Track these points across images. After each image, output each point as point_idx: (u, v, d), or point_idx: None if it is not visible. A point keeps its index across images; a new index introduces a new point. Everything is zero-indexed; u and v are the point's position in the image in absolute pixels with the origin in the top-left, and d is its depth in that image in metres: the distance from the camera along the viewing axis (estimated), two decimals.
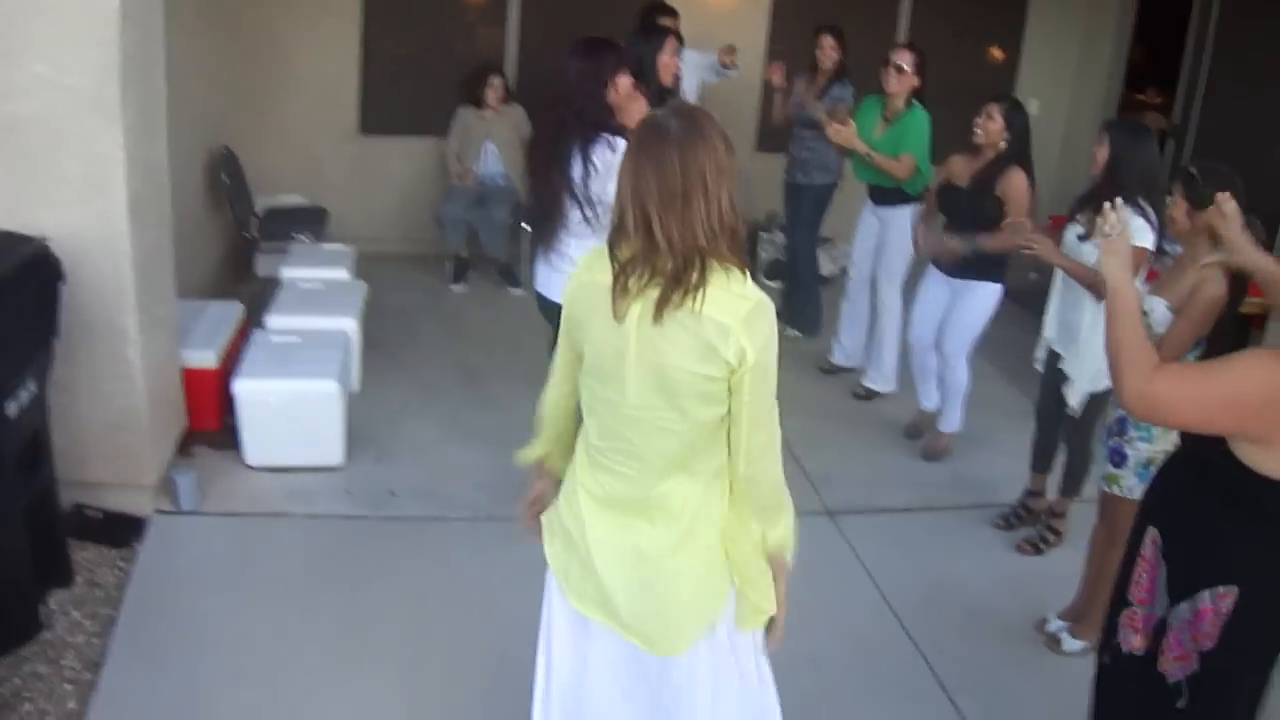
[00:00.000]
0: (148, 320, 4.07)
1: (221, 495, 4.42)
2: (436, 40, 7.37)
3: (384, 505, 4.50)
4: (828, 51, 5.83)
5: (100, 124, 3.74)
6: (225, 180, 6.36)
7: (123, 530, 4.08)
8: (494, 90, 7.01)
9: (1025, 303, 4.39)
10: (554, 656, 2.47)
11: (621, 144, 3.71)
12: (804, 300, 6.48)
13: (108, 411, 4.02)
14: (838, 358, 6.04)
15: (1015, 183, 4.50)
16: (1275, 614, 2.37)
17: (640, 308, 2.10)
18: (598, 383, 2.24)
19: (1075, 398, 4.06)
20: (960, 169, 4.72)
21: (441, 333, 6.44)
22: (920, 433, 5.27)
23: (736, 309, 2.08)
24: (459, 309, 6.88)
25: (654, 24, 4.49)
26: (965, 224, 4.62)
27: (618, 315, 2.11)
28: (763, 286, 6.35)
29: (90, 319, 3.88)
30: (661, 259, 2.06)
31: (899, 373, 5.69)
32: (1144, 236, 3.71)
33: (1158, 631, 2.49)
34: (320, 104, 7.33)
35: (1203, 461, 2.40)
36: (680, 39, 4.91)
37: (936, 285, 4.94)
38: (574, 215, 3.88)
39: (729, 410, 2.16)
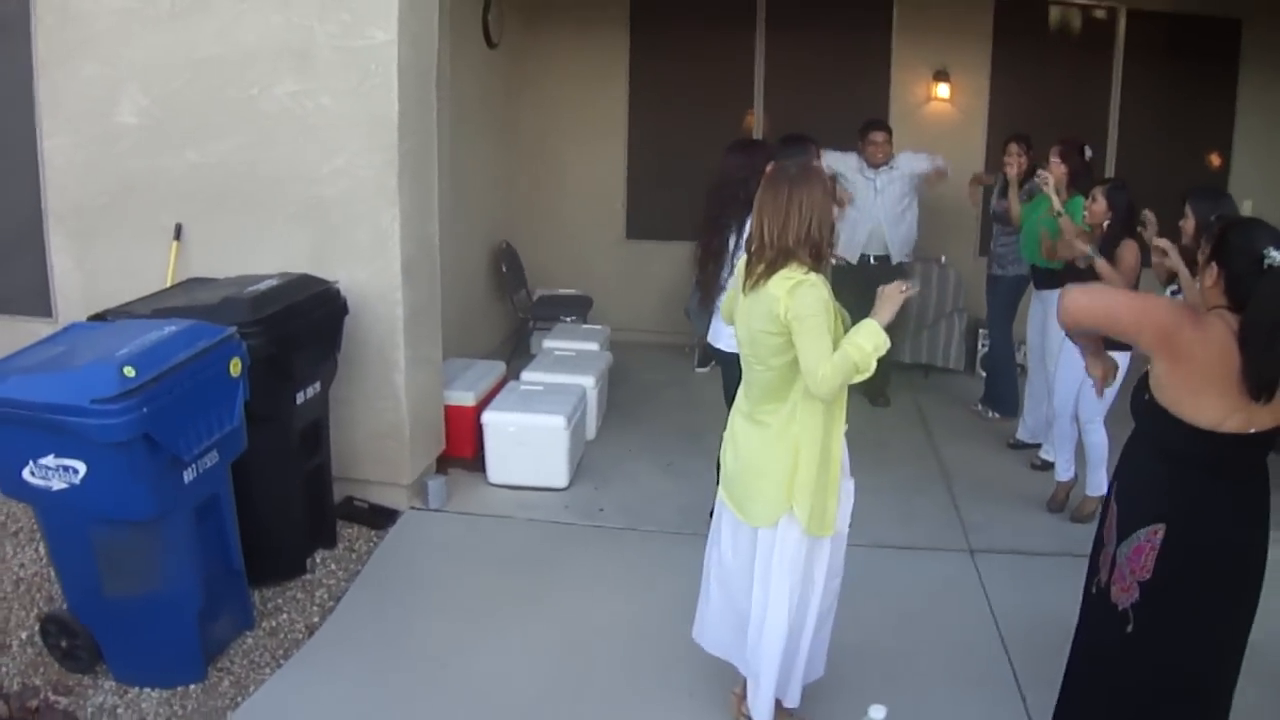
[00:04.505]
0: (414, 356, 5.26)
1: (463, 501, 5.54)
2: (692, 159, 8.47)
3: (592, 518, 5.46)
4: (1013, 158, 6.50)
5: (383, 205, 5.01)
6: (504, 270, 7.73)
7: (381, 518, 5.25)
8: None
9: None
10: (714, 521, 3.65)
11: None
12: (1001, 384, 7.00)
13: (377, 423, 5.24)
14: (1022, 434, 6.50)
15: (1124, 254, 5.05)
16: (1199, 547, 2.85)
17: (749, 285, 3.27)
18: (738, 340, 3.46)
19: None
20: (1068, 239, 5.29)
21: (677, 404, 7.39)
22: (1061, 505, 5.62)
23: (785, 286, 3.17)
24: (698, 387, 7.83)
25: (799, 136, 5.41)
26: None
27: (744, 290, 3.32)
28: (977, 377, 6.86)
29: (369, 351, 5.12)
30: (767, 253, 3.22)
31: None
32: None
33: (1112, 566, 3.03)
34: (592, 212, 8.69)
35: (1142, 421, 3.00)
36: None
37: (1072, 356, 5.42)
38: (728, 279, 4.79)
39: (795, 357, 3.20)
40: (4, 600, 4.32)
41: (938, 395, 7.59)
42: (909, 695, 3.91)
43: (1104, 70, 8.14)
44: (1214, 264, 2.90)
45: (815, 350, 3.15)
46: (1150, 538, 2.89)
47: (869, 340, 3.21)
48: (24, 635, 4.07)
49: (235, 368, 3.95)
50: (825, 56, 8.18)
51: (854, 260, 6.81)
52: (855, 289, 6.83)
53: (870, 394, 7.25)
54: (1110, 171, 7.89)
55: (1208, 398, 2.78)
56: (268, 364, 4.25)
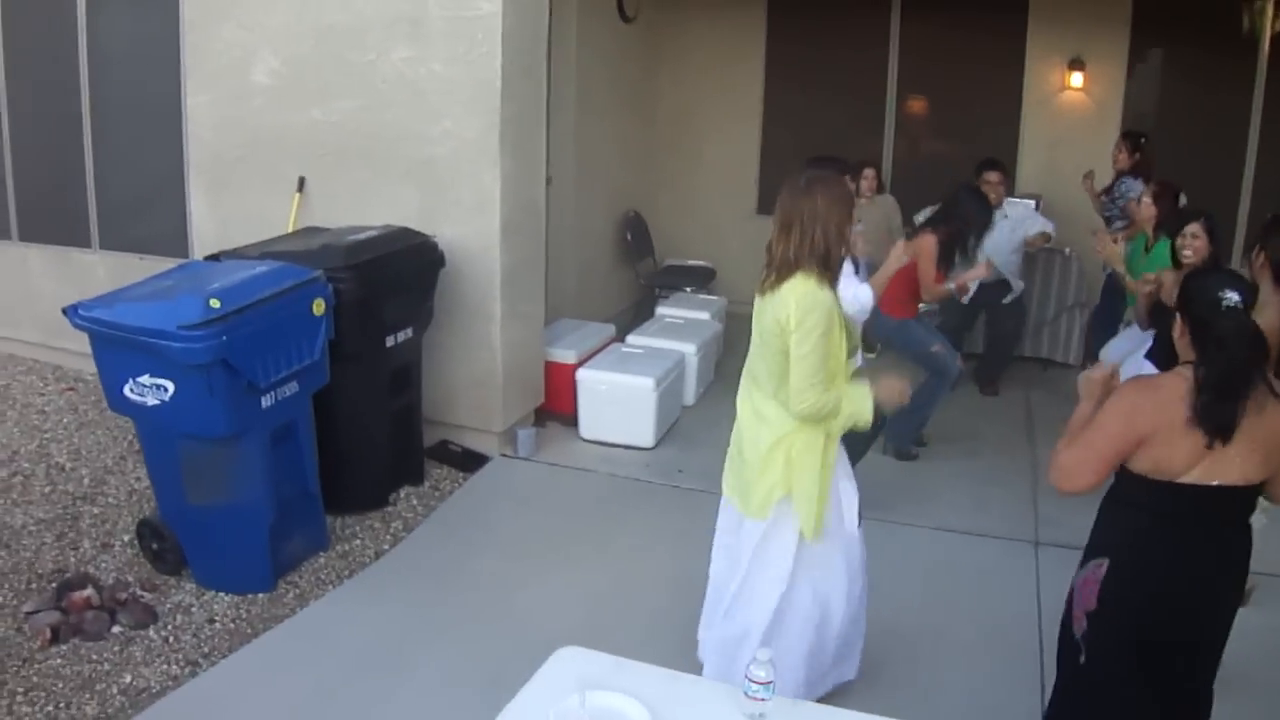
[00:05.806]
0: (510, 311, 5.57)
1: (552, 452, 5.84)
2: (824, 138, 8.54)
3: (670, 478, 5.65)
4: (1117, 155, 6.35)
5: (485, 167, 5.32)
6: (629, 239, 7.98)
7: (472, 462, 5.59)
8: (868, 181, 8.01)
9: None
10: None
11: None
12: None
13: (472, 371, 5.57)
14: None
15: None
16: (1138, 582, 2.84)
17: (763, 290, 3.39)
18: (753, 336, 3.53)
19: None
20: (1170, 287, 5.06)
21: None
22: None
23: (794, 295, 3.27)
24: None
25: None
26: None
27: (760, 291, 3.40)
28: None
29: (468, 303, 5.46)
30: (774, 263, 3.34)
31: None
32: None
33: (1071, 595, 3.05)
34: (724, 187, 8.85)
35: None
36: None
37: (1147, 367, 5.28)
38: None
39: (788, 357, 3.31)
40: (116, 507, 4.86)
41: (1050, 389, 7.44)
42: (927, 671, 3.99)
43: (1247, 68, 7.69)
44: (1178, 315, 2.88)
45: (805, 372, 3.26)
46: (1095, 570, 2.90)
47: (856, 405, 3.36)
48: (126, 538, 4.59)
49: (318, 307, 4.32)
50: (960, 41, 8.06)
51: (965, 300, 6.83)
52: (956, 317, 6.87)
53: (980, 382, 7.22)
54: (1248, 179, 7.59)
55: (1169, 452, 2.73)
56: (358, 307, 4.63)
